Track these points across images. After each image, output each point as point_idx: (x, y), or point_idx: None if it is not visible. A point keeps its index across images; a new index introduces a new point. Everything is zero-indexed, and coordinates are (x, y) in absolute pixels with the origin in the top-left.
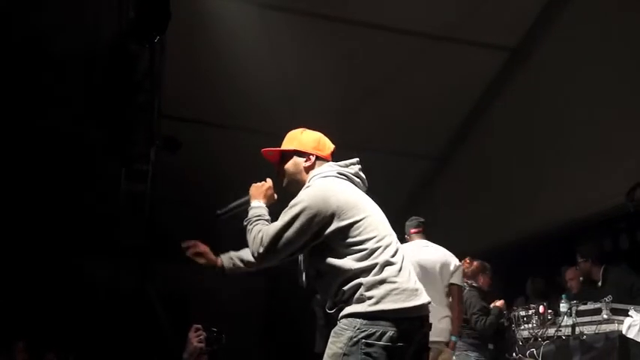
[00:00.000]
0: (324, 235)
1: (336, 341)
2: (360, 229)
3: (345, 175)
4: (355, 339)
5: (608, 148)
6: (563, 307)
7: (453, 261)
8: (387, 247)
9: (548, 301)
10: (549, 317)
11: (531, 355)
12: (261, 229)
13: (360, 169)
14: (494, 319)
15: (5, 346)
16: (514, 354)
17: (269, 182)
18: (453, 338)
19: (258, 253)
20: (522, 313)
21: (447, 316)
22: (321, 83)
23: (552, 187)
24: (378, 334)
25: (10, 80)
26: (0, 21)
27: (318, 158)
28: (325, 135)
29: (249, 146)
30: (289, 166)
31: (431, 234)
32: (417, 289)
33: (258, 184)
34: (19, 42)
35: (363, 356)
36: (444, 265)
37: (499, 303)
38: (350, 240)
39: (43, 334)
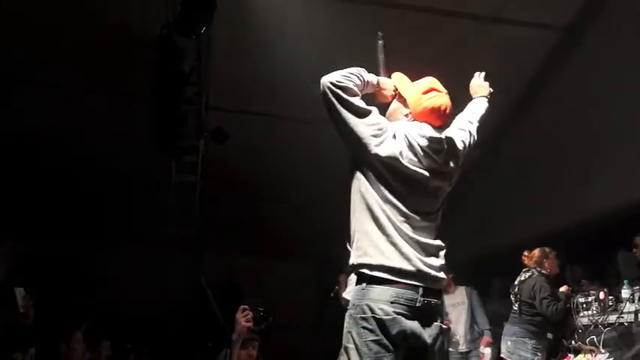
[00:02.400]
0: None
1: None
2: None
3: (409, 142)
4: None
5: None
6: (625, 292)
7: None
8: (401, 207)
9: (609, 288)
10: (610, 304)
11: (592, 342)
12: (357, 71)
13: (433, 147)
14: (563, 305)
15: (65, 337)
16: (573, 341)
17: (391, 89)
18: None
19: (330, 79)
20: (582, 299)
21: None
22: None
23: (609, 169)
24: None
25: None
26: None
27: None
28: None
29: (297, 135)
30: (392, 107)
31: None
32: (409, 256)
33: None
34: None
35: (361, 330)
36: None
37: (564, 288)
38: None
39: (100, 324)
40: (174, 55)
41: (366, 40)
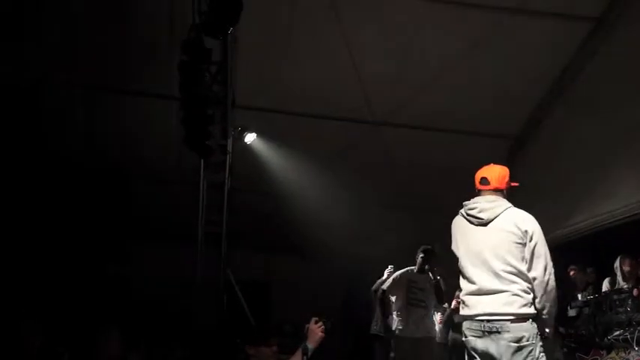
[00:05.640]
0: None
1: None
2: (459, 259)
3: (462, 215)
4: None
5: None
6: None
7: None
8: (468, 274)
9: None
10: None
11: (625, 340)
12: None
13: (473, 208)
14: None
15: (92, 339)
16: (606, 339)
17: None
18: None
19: None
20: (615, 296)
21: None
22: (392, 64)
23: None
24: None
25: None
26: None
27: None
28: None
29: (322, 133)
30: None
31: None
32: (472, 303)
33: None
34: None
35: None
36: None
37: None
38: None
39: (131, 322)
40: (200, 55)
41: (388, 31)
